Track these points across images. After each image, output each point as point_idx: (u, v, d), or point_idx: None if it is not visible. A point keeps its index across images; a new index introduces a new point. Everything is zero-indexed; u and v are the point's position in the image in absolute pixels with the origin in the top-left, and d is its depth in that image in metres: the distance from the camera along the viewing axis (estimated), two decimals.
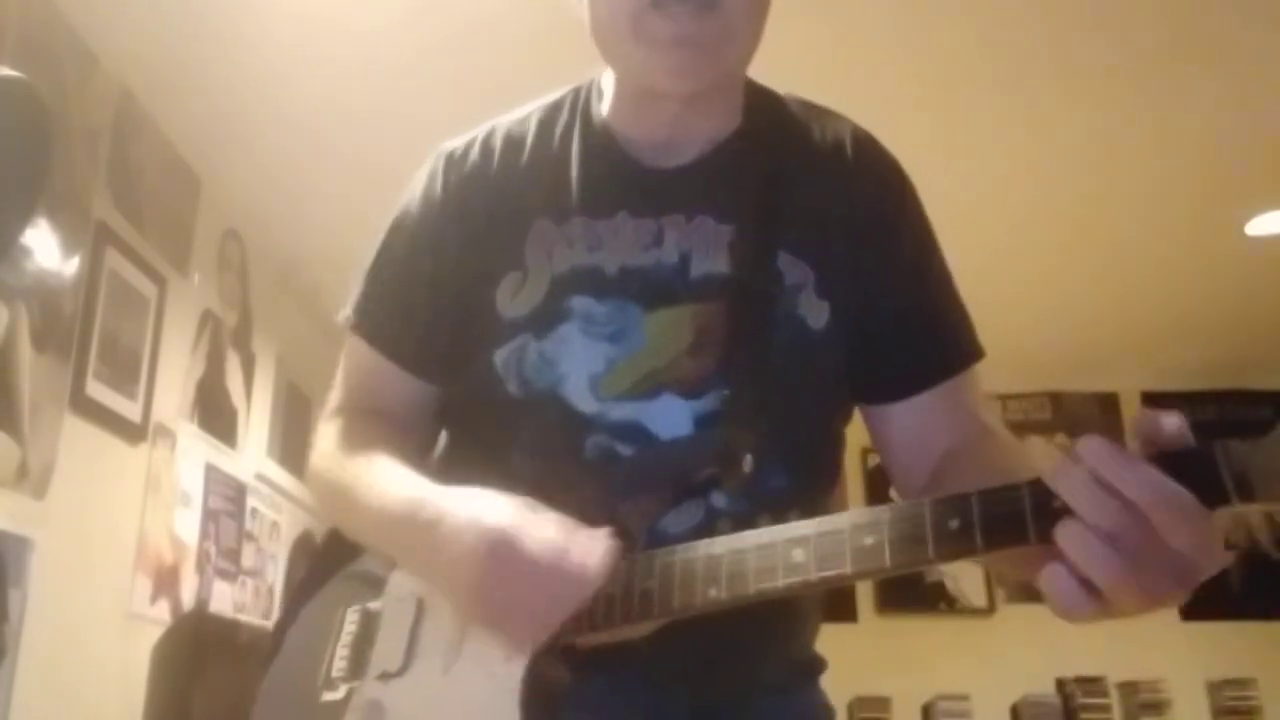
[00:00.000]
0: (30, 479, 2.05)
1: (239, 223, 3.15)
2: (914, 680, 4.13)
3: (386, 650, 0.88)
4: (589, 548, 0.76)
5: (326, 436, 1.01)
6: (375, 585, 0.94)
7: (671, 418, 0.87)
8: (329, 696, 0.90)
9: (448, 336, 0.97)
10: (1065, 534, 0.61)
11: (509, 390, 0.92)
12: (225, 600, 2.97)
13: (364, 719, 0.86)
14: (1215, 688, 4.25)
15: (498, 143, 1.01)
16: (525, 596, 0.75)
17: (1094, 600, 0.63)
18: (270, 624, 3.28)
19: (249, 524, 3.18)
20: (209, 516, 2.88)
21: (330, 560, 1.01)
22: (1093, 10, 2.39)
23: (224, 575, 2.97)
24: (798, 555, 0.70)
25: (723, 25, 0.86)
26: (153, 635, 2.46)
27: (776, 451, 0.88)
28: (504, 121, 1.03)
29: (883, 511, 0.68)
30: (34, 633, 2.01)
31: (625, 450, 0.87)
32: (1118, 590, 0.62)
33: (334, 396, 1.05)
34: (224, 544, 2.98)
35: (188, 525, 2.76)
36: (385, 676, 0.87)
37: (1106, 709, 4.17)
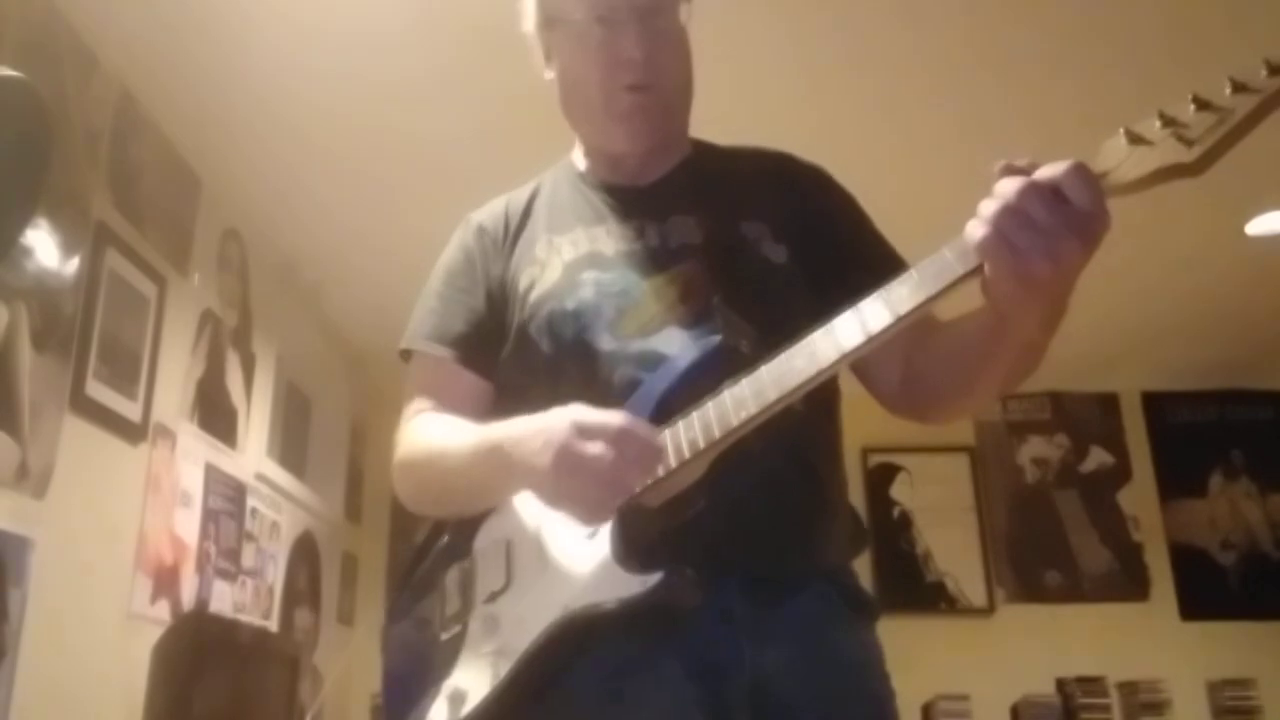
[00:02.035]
0: (30, 479, 2.05)
1: (239, 223, 3.15)
2: (914, 680, 4.08)
3: (488, 579, 1.06)
4: (650, 429, 0.96)
5: (404, 434, 1.20)
6: (463, 552, 1.11)
7: (678, 344, 1.06)
8: (447, 635, 1.07)
9: (495, 329, 1.19)
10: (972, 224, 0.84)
11: (544, 350, 1.12)
12: (225, 600, 2.97)
13: (481, 632, 1.04)
14: (1215, 688, 4.25)
15: (504, 205, 1.29)
16: (608, 463, 0.92)
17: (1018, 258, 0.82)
18: (270, 624, 3.28)
19: (249, 524, 3.18)
20: (209, 516, 2.88)
21: (420, 556, 1.19)
22: (1090, 9, 2.40)
23: (224, 575, 2.97)
24: (798, 361, 0.93)
25: (660, 99, 1.18)
26: (153, 635, 2.46)
27: (764, 357, 1.01)
28: (509, 195, 1.31)
29: (849, 310, 0.91)
30: (34, 633, 2.01)
31: (647, 376, 1.05)
32: (1026, 240, 0.81)
33: (406, 410, 1.23)
34: (224, 544, 2.98)
35: (188, 525, 2.76)
36: (493, 596, 1.05)
37: (1106, 709, 4.16)
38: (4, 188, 2.01)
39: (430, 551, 1.18)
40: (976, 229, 0.83)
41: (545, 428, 0.96)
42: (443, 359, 1.20)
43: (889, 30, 2.45)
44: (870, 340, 0.89)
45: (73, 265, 2.25)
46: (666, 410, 1.00)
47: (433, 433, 1.15)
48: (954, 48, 2.52)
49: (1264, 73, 0.77)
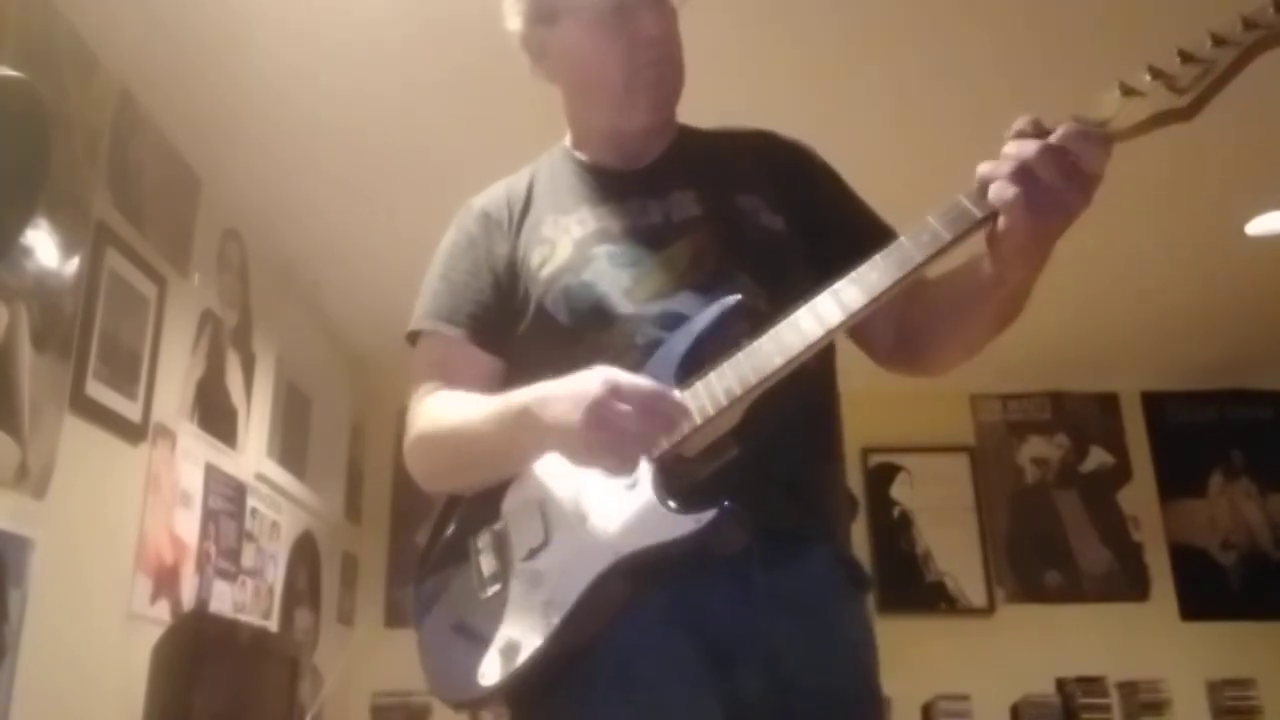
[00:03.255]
0: (30, 479, 2.05)
1: (239, 223, 3.15)
2: (914, 680, 4.12)
3: (525, 538, 1.09)
4: (672, 391, 1.01)
5: (419, 411, 1.22)
6: (491, 517, 1.13)
7: (695, 305, 1.10)
8: (487, 594, 1.09)
9: (502, 309, 1.22)
10: (985, 168, 0.95)
11: (561, 321, 1.15)
12: (225, 600, 2.97)
13: (526, 588, 1.06)
14: (1215, 688, 4.25)
15: (505, 189, 1.31)
16: (636, 422, 0.97)
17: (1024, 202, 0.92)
18: (270, 624, 3.28)
19: (249, 524, 3.18)
20: (209, 516, 2.88)
21: (440, 528, 1.21)
22: (1091, 7, 2.40)
23: (224, 575, 2.97)
24: (825, 307, 0.99)
25: (675, 70, 1.24)
26: (153, 635, 2.46)
27: (780, 315, 1.05)
28: (507, 180, 1.33)
29: (874, 258, 0.99)
30: (34, 633, 2.01)
31: (667, 336, 1.09)
32: (1033, 191, 0.91)
33: (416, 391, 1.24)
34: (224, 544, 2.98)
35: (188, 525, 2.76)
36: (532, 553, 1.07)
37: (1106, 709, 4.17)
38: (4, 188, 2.01)
39: (449, 523, 1.19)
40: (1004, 190, 0.92)
41: (575, 388, 1.00)
42: (454, 338, 1.22)
43: (890, 22, 2.45)
44: (899, 281, 0.97)
45: (73, 265, 2.25)
46: (689, 368, 1.04)
47: (452, 406, 1.17)
48: (954, 39, 2.52)
49: (1240, 27, 0.89)
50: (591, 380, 1.00)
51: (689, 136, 1.32)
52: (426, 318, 1.25)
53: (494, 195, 1.31)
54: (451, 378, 1.21)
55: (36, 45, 2.13)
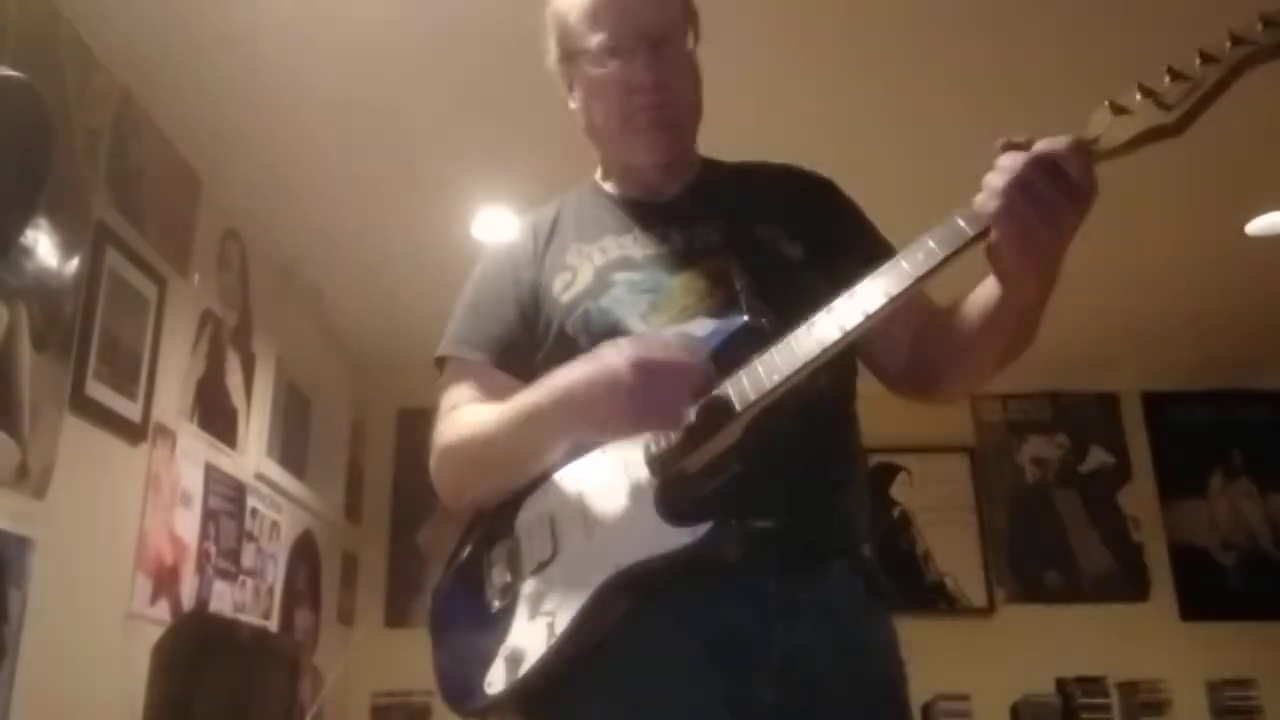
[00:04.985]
0: (30, 479, 2.05)
1: (239, 223, 3.15)
2: (914, 680, 4.10)
3: (535, 552, 1.12)
4: (688, 336, 1.06)
5: (445, 426, 1.25)
6: (506, 532, 1.16)
7: (709, 329, 1.11)
8: (498, 606, 1.13)
9: (526, 334, 1.25)
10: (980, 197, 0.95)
11: (581, 345, 1.17)
12: (225, 600, 2.97)
13: (534, 598, 1.09)
14: (1215, 688, 4.25)
15: (532, 221, 1.36)
16: (669, 375, 1.00)
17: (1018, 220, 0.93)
18: (270, 624, 3.28)
19: (249, 524, 3.18)
20: (209, 516, 2.88)
21: (462, 544, 1.24)
22: (1090, 7, 2.40)
23: (224, 575, 2.97)
24: (822, 327, 1.01)
25: (673, 114, 1.27)
26: (153, 635, 2.46)
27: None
28: (534, 213, 1.38)
29: (873, 274, 1.00)
30: (34, 633, 2.01)
31: None
32: (1024, 207, 0.92)
33: (443, 407, 1.28)
34: (224, 544, 2.98)
35: (188, 525, 2.76)
36: (541, 566, 1.10)
37: (1106, 709, 4.16)
38: (4, 188, 2.01)
39: (469, 539, 1.23)
40: (988, 203, 0.94)
41: (602, 364, 1.03)
42: (478, 362, 1.26)
43: (903, 39, 2.46)
44: (892, 301, 0.98)
45: (73, 265, 2.25)
46: None
47: (479, 414, 1.21)
48: (970, 53, 2.53)
49: (1228, 44, 0.90)
50: (614, 350, 1.03)
51: (712, 170, 1.36)
52: (451, 343, 1.29)
53: (520, 227, 1.36)
54: (475, 401, 1.25)
55: (36, 45, 2.13)
